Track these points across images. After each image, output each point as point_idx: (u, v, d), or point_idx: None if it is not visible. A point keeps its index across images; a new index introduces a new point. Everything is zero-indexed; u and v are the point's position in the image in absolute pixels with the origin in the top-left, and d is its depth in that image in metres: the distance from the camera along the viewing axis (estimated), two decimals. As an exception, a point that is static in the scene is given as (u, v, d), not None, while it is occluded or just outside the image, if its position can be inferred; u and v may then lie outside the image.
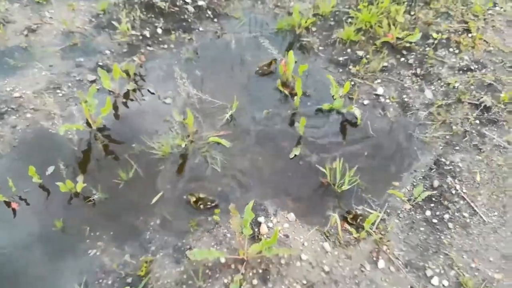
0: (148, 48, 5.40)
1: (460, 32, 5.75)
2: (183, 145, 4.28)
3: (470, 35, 5.70)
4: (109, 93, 4.80)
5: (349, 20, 5.88)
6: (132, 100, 4.85)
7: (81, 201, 3.77)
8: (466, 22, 5.85)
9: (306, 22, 5.71)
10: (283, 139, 4.60)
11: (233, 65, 5.33)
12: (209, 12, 5.89)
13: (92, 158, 4.13)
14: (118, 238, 3.57)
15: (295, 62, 4.99)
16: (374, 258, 3.68)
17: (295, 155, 4.42)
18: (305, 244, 3.70)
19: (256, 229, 3.74)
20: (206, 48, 5.54)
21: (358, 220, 3.90)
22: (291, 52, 4.95)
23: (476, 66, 5.32)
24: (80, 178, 3.82)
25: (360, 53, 5.40)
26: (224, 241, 3.63)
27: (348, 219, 3.93)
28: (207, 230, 3.64)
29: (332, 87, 4.92)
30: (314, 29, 5.84)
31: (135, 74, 5.07)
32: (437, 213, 4.01)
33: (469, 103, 4.94)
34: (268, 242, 3.34)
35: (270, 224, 3.81)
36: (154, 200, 3.79)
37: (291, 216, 3.91)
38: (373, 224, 3.82)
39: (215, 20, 5.88)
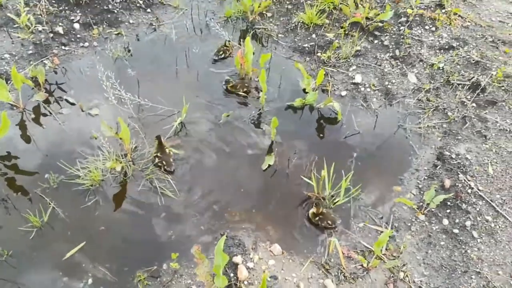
0: (63, 47, 4.18)
1: (432, 9, 5.07)
2: (117, 168, 3.13)
3: (443, 10, 5.04)
4: (11, 108, 3.56)
5: (309, 1, 5.00)
6: (44, 115, 3.63)
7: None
8: (437, -3, 5.21)
9: (259, 6, 4.77)
10: (251, 146, 3.62)
11: (178, 62, 4.23)
12: (140, 1, 4.75)
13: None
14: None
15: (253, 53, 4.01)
16: (393, 292, 2.76)
17: (269, 165, 3.46)
18: (300, 286, 2.69)
19: (232, 274, 2.68)
20: (140, 43, 4.42)
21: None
22: (248, 39, 3.97)
23: (458, 44, 4.65)
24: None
25: (330, 35, 4.52)
26: (190, 299, 2.56)
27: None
28: (163, 285, 2.54)
29: (303, 79, 4.01)
30: (269, 14, 4.91)
31: (46, 82, 3.85)
32: (457, 220, 3.17)
33: (459, 84, 4.21)
34: (254, 297, 2.29)
35: (251, 264, 2.78)
36: (71, 253, 2.75)
37: (276, 248, 2.92)
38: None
39: (148, 10, 4.77)
